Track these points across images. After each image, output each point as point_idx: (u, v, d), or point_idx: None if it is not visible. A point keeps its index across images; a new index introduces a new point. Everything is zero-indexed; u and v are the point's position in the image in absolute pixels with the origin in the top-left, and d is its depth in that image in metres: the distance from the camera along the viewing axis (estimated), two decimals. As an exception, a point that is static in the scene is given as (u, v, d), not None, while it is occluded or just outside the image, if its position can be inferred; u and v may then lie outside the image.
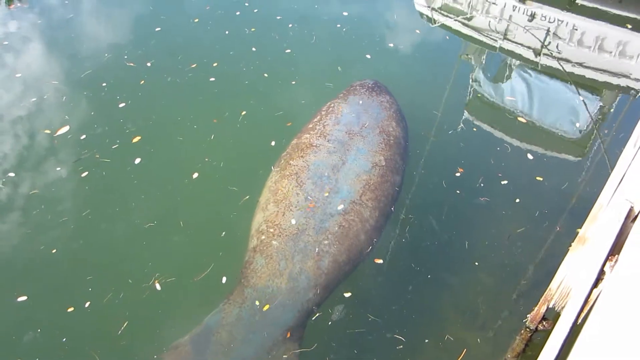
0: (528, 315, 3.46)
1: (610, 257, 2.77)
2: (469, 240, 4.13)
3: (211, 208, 4.27)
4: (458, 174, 4.61)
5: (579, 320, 2.80)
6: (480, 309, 3.74)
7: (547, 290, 3.24)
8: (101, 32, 6.30)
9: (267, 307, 3.28)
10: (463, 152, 4.87)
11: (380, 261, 3.90)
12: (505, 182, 4.57)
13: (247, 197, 4.21)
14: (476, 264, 3.97)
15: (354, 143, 4.03)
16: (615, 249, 2.80)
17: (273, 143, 4.59)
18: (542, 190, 4.57)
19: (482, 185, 4.53)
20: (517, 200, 4.42)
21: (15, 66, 5.70)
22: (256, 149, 4.66)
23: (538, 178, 4.65)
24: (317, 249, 3.44)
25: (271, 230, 3.55)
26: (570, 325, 2.67)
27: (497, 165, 4.77)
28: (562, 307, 3.18)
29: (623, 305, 2.29)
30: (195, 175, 4.45)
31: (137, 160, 4.55)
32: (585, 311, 2.85)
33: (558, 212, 4.38)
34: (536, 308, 3.36)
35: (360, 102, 4.51)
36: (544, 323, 3.40)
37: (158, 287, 3.67)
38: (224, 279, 3.69)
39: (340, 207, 3.62)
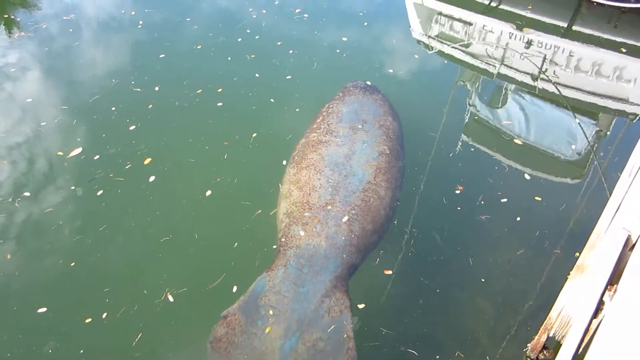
0: (528, 345, 3.42)
1: (609, 287, 2.76)
2: (473, 258, 4.19)
3: (224, 222, 4.43)
4: (457, 192, 4.70)
5: (580, 350, 2.77)
6: (481, 336, 3.72)
7: (547, 319, 3.21)
8: (106, 59, 6.43)
9: (310, 260, 3.45)
10: (462, 172, 4.96)
11: (390, 272, 4.03)
12: (505, 200, 4.63)
13: (260, 211, 4.37)
14: (482, 280, 4.04)
15: (358, 137, 4.38)
16: (614, 278, 2.79)
17: (284, 162, 4.67)
18: (541, 210, 4.61)
19: (482, 202, 4.61)
20: (518, 219, 4.47)
21: (25, 92, 5.82)
22: (268, 168, 4.76)
23: (537, 198, 4.69)
24: (347, 217, 3.74)
25: (301, 207, 3.82)
26: (571, 356, 2.64)
27: (496, 184, 4.83)
28: (563, 337, 3.15)
29: (623, 335, 2.27)
30: (209, 192, 4.59)
31: (152, 179, 4.70)
32: (585, 341, 2.82)
33: (558, 233, 4.41)
34: (536, 337, 3.33)
35: (357, 101, 4.86)
36: (545, 352, 3.36)
37: (171, 298, 3.78)
38: (235, 288, 3.79)
39: (360, 184, 3.97)
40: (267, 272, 3.41)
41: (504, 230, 4.40)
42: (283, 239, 3.69)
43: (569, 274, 3.32)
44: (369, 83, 5.32)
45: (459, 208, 4.55)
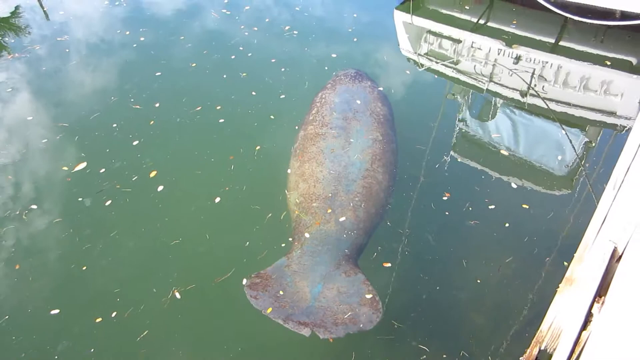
0: (521, 358, 3.42)
1: (597, 299, 2.78)
2: (467, 260, 4.29)
3: (235, 224, 4.56)
4: (445, 198, 4.79)
5: (571, 363, 2.78)
6: (474, 346, 3.75)
7: (538, 331, 3.23)
8: (104, 78, 6.50)
9: (323, 242, 3.79)
10: (450, 181, 5.04)
11: (389, 264, 4.18)
12: (493, 206, 4.71)
13: (270, 214, 4.50)
14: (478, 281, 4.13)
15: (352, 126, 4.63)
16: (602, 290, 2.82)
17: (289, 171, 4.74)
18: (530, 217, 4.68)
19: (470, 209, 4.69)
20: (507, 225, 4.55)
21: (24, 111, 5.89)
22: (275, 177, 4.82)
23: (524, 206, 4.76)
24: (351, 204, 4.02)
25: (308, 198, 4.11)
26: (561, 368, 2.65)
27: (483, 192, 4.89)
28: (554, 349, 3.15)
29: (612, 347, 2.29)
30: (218, 199, 4.70)
31: (160, 188, 4.80)
32: (576, 353, 2.83)
33: (547, 240, 4.46)
34: (528, 350, 3.33)
35: (347, 91, 5.13)
36: (537, 366, 3.35)
37: (178, 295, 3.92)
38: (245, 281, 3.88)
39: (359, 173, 4.25)
40: (284, 256, 3.74)
41: (493, 235, 4.50)
42: (296, 228, 3.98)
43: (560, 283, 3.35)
44: (358, 70, 5.53)
45: (446, 213, 4.65)
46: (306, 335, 3.16)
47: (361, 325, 3.25)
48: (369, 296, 3.41)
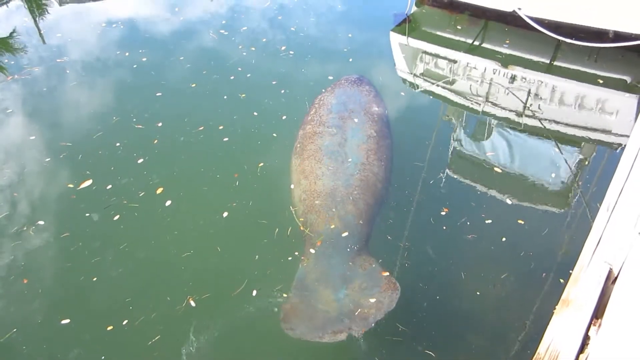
0: (519, 381, 3.39)
1: (594, 321, 2.77)
2: (465, 273, 4.33)
3: (244, 238, 4.60)
4: (443, 213, 4.82)
5: (569, 387, 2.75)
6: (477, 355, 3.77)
7: (536, 354, 3.19)
8: (105, 98, 6.56)
9: (331, 241, 4.03)
10: (447, 197, 5.09)
11: (387, 273, 4.18)
12: (490, 221, 4.77)
13: (277, 229, 4.55)
14: (478, 293, 4.15)
15: (347, 125, 4.97)
16: (599, 312, 2.81)
17: (292, 186, 4.81)
18: (525, 233, 4.71)
19: (467, 223, 4.73)
20: (504, 239, 4.60)
21: (26, 131, 5.93)
22: (279, 192, 4.90)
23: (520, 221, 4.79)
24: (351, 198, 4.29)
25: (311, 196, 4.36)
26: (559, 392, 2.63)
27: (480, 209, 4.92)
28: (553, 372, 3.12)
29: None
30: (226, 214, 4.77)
31: (168, 203, 4.86)
32: (575, 376, 2.80)
33: (542, 256, 4.47)
34: (527, 373, 3.30)
35: (345, 94, 5.53)
36: (536, 389, 3.31)
37: (193, 304, 3.98)
38: (254, 292, 4.03)
39: (356, 167, 4.52)
40: (300, 264, 3.95)
41: (491, 248, 4.55)
42: (304, 229, 4.20)
43: (555, 298, 3.34)
44: (360, 76, 5.92)
45: (444, 227, 4.70)
46: (343, 339, 3.43)
47: (385, 309, 3.57)
48: (385, 280, 3.76)
